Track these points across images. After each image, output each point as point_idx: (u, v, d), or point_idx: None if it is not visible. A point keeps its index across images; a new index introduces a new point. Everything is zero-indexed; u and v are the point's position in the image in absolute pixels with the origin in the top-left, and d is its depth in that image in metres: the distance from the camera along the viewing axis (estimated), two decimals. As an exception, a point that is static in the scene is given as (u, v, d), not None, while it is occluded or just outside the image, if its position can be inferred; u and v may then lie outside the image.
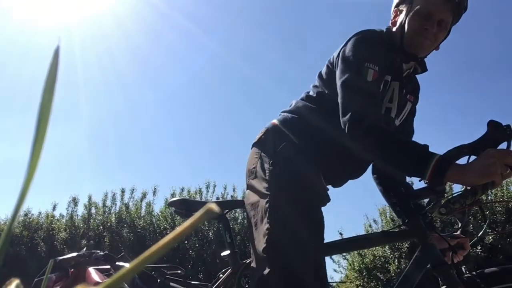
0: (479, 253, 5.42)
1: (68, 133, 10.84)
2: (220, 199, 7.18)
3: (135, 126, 13.17)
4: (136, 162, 13.13)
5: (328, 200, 1.38)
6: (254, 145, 1.49)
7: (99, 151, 12.60)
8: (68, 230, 6.75)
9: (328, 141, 1.36)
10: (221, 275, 1.66)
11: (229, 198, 7.23)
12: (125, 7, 10.44)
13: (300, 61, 14.96)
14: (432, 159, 1.09)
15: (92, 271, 1.46)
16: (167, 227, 6.59)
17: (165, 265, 1.69)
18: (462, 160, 1.18)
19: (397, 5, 1.46)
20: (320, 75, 1.48)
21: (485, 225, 1.51)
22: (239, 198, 7.24)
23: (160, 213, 6.87)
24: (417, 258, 1.33)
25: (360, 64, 1.30)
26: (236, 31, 15.08)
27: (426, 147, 1.15)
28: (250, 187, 1.42)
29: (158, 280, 1.59)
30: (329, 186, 1.50)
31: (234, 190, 7.32)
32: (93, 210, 7.04)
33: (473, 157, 1.16)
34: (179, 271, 1.71)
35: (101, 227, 6.74)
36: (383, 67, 1.32)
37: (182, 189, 7.26)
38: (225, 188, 7.34)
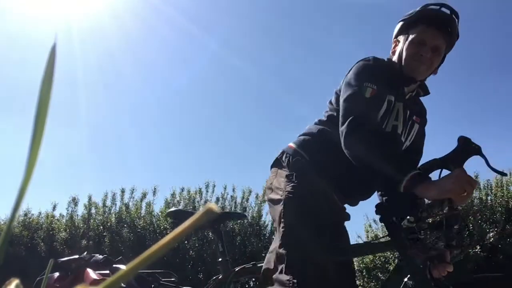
0: (479, 253, 5.42)
1: (68, 133, 10.85)
2: (220, 199, 7.17)
3: (135, 126, 13.17)
4: (136, 162, 13.13)
5: (339, 205, 1.56)
6: (272, 165, 1.67)
7: (99, 151, 12.60)
8: (68, 230, 6.75)
9: (336, 154, 1.48)
10: (211, 282, 1.71)
11: (229, 198, 7.23)
12: (125, 8, 10.44)
13: (301, 61, 14.96)
14: (404, 178, 1.24)
15: (90, 271, 1.56)
16: (167, 227, 6.59)
17: (159, 270, 1.74)
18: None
19: (396, 36, 1.65)
20: (330, 102, 1.66)
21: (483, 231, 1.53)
22: (239, 198, 7.27)
23: (160, 213, 6.87)
24: (397, 267, 1.43)
25: (360, 84, 1.47)
26: (236, 31, 15.09)
27: (407, 163, 1.30)
28: (269, 201, 1.59)
29: (152, 286, 1.64)
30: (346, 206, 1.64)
31: (234, 190, 7.32)
32: (93, 210, 7.03)
33: (445, 171, 1.31)
34: (172, 278, 1.76)
35: (101, 227, 6.74)
36: (382, 87, 1.48)
37: (182, 189, 7.25)
38: (225, 188, 7.33)
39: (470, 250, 5.42)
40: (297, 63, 14.89)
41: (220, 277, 1.69)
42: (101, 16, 9.53)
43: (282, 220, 1.42)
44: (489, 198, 6.13)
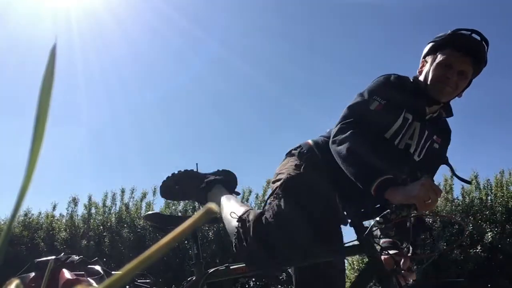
0: (479, 253, 5.42)
1: (68, 133, 10.84)
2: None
3: (135, 126, 13.17)
4: (136, 162, 13.12)
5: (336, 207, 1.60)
6: (286, 155, 1.74)
7: (99, 151, 12.60)
8: (68, 230, 6.74)
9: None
10: (185, 283, 1.74)
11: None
12: (125, 7, 10.43)
13: (301, 62, 14.95)
14: (376, 180, 1.32)
15: (65, 271, 1.59)
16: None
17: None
18: None
19: (424, 57, 1.67)
20: None
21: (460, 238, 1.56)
22: (239, 198, 7.23)
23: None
24: (364, 270, 1.48)
25: (369, 96, 1.54)
26: (237, 31, 15.08)
27: (380, 168, 1.35)
28: (273, 183, 1.64)
29: (127, 286, 1.66)
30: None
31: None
32: (93, 210, 7.02)
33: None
34: (148, 280, 1.80)
35: (101, 227, 6.73)
36: (396, 104, 1.55)
37: (182, 189, 7.25)
38: (225, 188, 7.32)
39: (470, 250, 5.42)
40: (297, 64, 14.89)
41: (193, 279, 1.72)
42: (101, 15, 9.53)
43: (275, 193, 1.52)
44: (489, 198, 6.12)
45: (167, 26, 11.50)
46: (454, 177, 1.49)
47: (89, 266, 1.68)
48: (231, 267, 1.65)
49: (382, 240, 1.65)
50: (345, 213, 1.62)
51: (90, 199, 7.09)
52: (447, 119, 1.76)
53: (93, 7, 9.35)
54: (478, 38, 1.54)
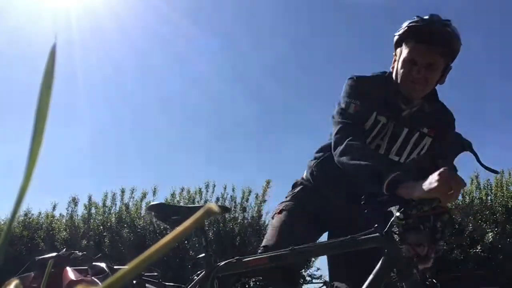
0: (479, 253, 5.42)
1: (68, 133, 10.84)
2: (220, 199, 7.17)
3: (135, 126, 13.16)
4: (136, 162, 13.11)
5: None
6: None
7: (99, 151, 12.59)
8: (68, 230, 6.75)
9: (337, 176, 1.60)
10: (195, 277, 1.69)
11: (228, 198, 7.22)
12: (125, 7, 10.43)
13: (301, 62, 14.95)
14: (383, 182, 1.27)
15: (69, 270, 1.52)
16: (167, 227, 6.59)
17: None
18: None
19: (395, 50, 1.57)
20: None
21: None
22: (239, 198, 7.23)
23: (160, 213, 6.85)
24: (384, 261, 1.40)
25: (345, 101, 1.56)
26: (237, 31, 15.07)
27: (384, 169, 1.32)
28: None
29: (134, 281, 1.61)
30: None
31: (233, 190, 7.30)
32: (93, 210, 7.03)
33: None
34: (155, 274, 1.76)
35: (101, 227, 6.74)
36: (366, 104, 1.54)
37: (182, 189, 7.23)
38: (225, 188, 7.30)
39: (470, 250, 5.42)
40: (298, 64, 14.88)
41: (203, 272, 1.67)
42: (101, 15, 9.52)
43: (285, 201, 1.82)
44: (489, 198, 6.12)
45: (167, 26, 11.50)
46: (480, 165, 1.39)
47: (93, 263, 1.62)
48: (243, 260, 1.59)
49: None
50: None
51: (90, 199, 7.09)
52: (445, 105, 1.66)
53: (93, 6, 9.34)
54: (438, 24, 1.43)
